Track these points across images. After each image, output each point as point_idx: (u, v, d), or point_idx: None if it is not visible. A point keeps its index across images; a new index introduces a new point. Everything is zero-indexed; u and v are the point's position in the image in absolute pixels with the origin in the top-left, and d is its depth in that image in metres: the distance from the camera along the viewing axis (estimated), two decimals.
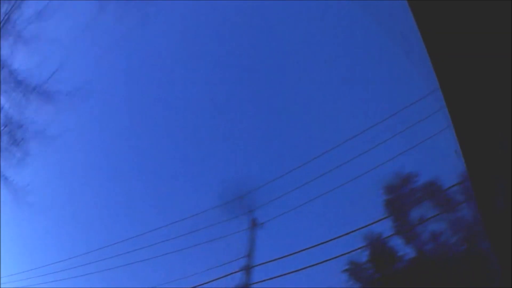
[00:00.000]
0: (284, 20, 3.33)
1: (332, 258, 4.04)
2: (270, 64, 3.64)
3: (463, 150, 1.52)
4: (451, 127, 1.49)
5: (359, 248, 3.90)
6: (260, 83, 3.58)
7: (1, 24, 3.80)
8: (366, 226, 4.06)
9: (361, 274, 4.44)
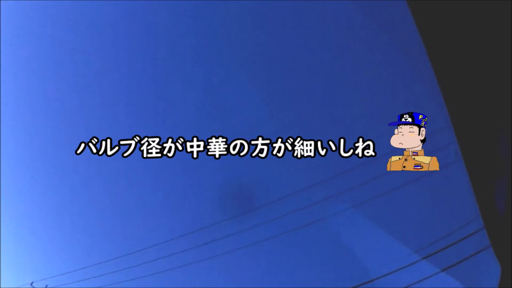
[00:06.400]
0: (282, 20, 3.32)
1: None
2: (266, 63, 3.62)
3: (463, 150, 1.52)
4: (451, 127, 1.50)
5: None
6: (256, 81, 3.56)
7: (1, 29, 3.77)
8: None
9: None
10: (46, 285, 4.88)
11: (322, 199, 3.41)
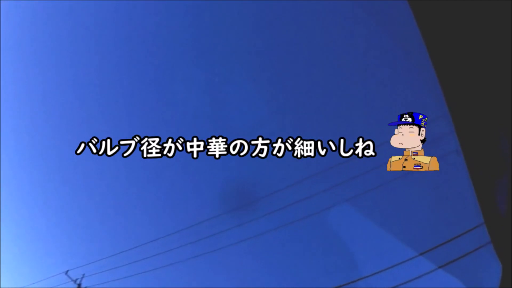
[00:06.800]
0: (282, 20, 3.32)
1: None
2: (266, 63, 3.62)
3: (463, 150, 1.52)
4: (452, 127, 1.49)
5: None
6: (256, 81, 3.55)
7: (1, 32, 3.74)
8: None
9: None
10: (83, 274, 4.87)
11: (322, 197, 3.41)
